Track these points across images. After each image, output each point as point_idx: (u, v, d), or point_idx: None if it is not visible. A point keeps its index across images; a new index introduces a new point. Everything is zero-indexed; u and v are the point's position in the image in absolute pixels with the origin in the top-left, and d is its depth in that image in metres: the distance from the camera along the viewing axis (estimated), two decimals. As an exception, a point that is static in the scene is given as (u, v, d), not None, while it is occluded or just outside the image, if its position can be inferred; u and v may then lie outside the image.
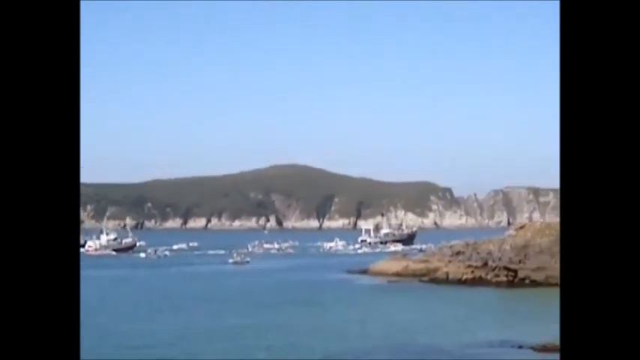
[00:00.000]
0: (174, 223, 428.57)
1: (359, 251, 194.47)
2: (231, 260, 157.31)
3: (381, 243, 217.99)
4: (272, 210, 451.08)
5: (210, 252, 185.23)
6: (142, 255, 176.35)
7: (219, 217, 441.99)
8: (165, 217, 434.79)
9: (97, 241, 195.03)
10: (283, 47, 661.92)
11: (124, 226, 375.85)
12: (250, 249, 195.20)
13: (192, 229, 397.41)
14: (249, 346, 55.84)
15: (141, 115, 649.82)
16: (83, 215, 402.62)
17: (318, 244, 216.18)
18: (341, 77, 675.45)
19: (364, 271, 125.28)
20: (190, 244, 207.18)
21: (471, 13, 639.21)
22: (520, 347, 56.88)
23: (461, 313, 75.79)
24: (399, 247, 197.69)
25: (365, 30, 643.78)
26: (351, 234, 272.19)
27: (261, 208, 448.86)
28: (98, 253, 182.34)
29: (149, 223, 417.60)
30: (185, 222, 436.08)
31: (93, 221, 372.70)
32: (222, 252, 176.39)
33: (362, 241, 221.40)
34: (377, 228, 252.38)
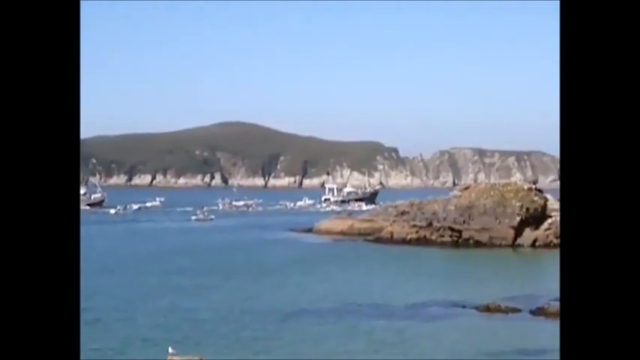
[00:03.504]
0: (118, 179, 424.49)
1: (327, 209, 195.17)
2: (194, 217, 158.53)
3: (343, 202, 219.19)
4: (217, 168, 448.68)
5: (179, 209, 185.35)
6: (112, 211, 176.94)
7: (165, 174, 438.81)
8: (109, 174, 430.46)
9: None
10: (234, 11, 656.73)
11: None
12: (221, 206, 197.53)
13: (138, 186, 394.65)
14: (193, 308, 55.45)
15: (84, 71, 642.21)
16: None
17: (281, 202, 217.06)
18: (289, 39, 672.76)
19: (309, 230, 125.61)
20: (159, 199, 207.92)
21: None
22: (464, 307, 57.45)
23: (405, 273, 76.25)
24: (363, 205, 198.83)
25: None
26: (297, 193, 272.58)
27: (207, 166, 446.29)
28: None
29: (93, 180, 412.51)
30: (130, 179, 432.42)
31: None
32: (190, 209, 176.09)
33: (325, 199, 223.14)
34: (340, 187, 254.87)
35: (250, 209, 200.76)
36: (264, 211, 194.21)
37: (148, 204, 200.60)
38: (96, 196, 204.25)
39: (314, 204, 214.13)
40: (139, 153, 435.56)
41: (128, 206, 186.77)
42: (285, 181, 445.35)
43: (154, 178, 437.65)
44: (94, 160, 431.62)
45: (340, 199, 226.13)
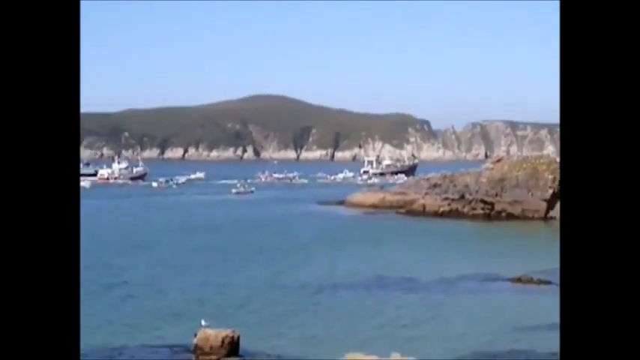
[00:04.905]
0: (151, 153, 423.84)
1: (368, 182, 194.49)
2: (234, 190, 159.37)
3: (382, 174, 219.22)
4: (249, 141, 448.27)
5: (221, 181, 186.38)
6: (154, 184, 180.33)
7: (197, 147, 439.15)
8: (142, 147, 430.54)
9: (107, 170, 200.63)
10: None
11: (101, 155, 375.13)
12: (263, 179, 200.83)
13: (170, 160, 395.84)
14: (225, 283, 55.61)
15: (115, 44, 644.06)
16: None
17: (321, 174, 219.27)
18: (319, 12, 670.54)
19: (341, 202, 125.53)
20: (199, 173, 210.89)
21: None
22: (495, 280, 57.49)
23: (437, 247, 76.11)
24: (404, 177, 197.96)
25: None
26: (331, 165, 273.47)
27: (239, 139, 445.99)
28: (121, 181, 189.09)
29: (126, 153, 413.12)
30: (162, 152, 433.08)
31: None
32: (233, 181, 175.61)
33: (364, 172, 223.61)
34: (380, 160, 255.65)
35: (294, 181, 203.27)
36: (308, 183, 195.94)
37: (192, 176, 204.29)
38: (138, 170, 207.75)
39: (354, 176, 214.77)
40: (170, 126, 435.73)
41: (174, 179, 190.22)
42: (317, 153, 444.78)
43: (186, 151, 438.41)
44: (127, 134, 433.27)
45: (379, 171, 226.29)
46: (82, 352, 35.27)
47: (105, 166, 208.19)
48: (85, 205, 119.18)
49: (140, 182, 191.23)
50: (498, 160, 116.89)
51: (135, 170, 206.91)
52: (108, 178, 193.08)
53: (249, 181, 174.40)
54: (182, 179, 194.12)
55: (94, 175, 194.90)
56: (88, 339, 37.41)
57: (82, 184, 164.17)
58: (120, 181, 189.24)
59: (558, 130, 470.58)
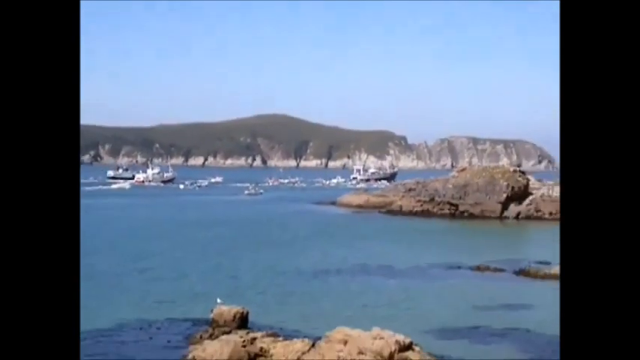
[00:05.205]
0: (177, 160, 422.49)
1: (357, 186, 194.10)
2: (246, 192, 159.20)
3: (368, 180, 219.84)
4: (258, 151, 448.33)
5: (237, 184, 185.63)
6: (181, 186, 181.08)
7: (215, 156, 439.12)
8: (170, 156, 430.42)
9: (143, 174, 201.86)
10: (270, 11, 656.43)
11: (136, 162, 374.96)
12: (270, 183, 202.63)
13: (193, 166, 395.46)
14: (236, 268, 55.30)
15: (149, 67, 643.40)
16: (102, 152, 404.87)
17: (317, 179, 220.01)
18: (318, 38, 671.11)
19: (333, 203, 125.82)
20: (218, 177, 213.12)
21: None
22: (459, 268, 57.45)
23: (411, 240, 76.13)
24: (386, 183, 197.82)
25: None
26: (325, 172, 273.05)
27: (249, 150, 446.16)
28: (154, 184, 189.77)
29: (157, 161, 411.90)
30: (186, 160, 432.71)
31: (111, 158, 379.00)
32: (247, 184, 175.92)
33: (353, 178, 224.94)
34: (366, 168, 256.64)
35: (296, 185, 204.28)
36: (307, 187, 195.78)
37: (212, 180, 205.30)
38: (168, 175, 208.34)
39: (345, 182, 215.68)
40: (193, 139, 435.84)
41: (197, 182, 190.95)
42: (313, 162, 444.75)
43: (205, 159, 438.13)
44: (157, 145, 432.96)
45: (366, 178, 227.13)
46: (119, 324, 35.73)
47: (140, 171, 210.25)
48: (125, 203, 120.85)
49: (170, 185, 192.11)
50: (462, 170, 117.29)
51: (165, 175, 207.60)
52: (143, 181, 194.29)
53: (259, 184, 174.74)
54: (204, 182, 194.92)
55: (132, 178, 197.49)
56: (125, 314, 38.42)
57: (122, 185, 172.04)
58: (153, 184, 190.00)
59: (511, 145, 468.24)
